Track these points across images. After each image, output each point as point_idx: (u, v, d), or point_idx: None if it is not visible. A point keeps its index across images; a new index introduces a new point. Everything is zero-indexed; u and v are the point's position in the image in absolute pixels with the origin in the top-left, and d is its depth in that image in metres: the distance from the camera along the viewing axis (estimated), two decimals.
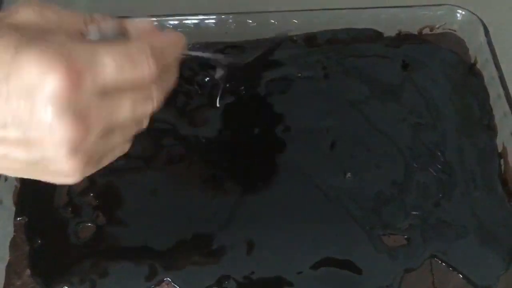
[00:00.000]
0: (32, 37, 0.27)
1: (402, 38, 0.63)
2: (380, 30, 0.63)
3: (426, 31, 0.64)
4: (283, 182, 0.54)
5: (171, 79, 0.36)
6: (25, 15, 0.30)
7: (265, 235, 0.51)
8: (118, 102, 0.30)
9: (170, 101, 0.58)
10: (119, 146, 0.33)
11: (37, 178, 0.31)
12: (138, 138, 0.56)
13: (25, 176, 0.32)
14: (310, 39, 0.64)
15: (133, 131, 0.34)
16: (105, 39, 0.32)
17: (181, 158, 0.55)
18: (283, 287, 0.49)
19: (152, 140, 0.56)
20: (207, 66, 0.60)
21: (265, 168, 0.55)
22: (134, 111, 0.31)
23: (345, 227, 0.52)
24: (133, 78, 0.30)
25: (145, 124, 0.34)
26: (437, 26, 0.63)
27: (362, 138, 0.57)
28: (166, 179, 0.54)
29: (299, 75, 0.61)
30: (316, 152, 0.56)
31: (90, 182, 0.54)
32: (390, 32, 0.63)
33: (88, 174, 0.32)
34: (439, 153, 0.56)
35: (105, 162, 0.33)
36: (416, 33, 0.64)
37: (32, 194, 0.53)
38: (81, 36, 0.31)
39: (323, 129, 0.57)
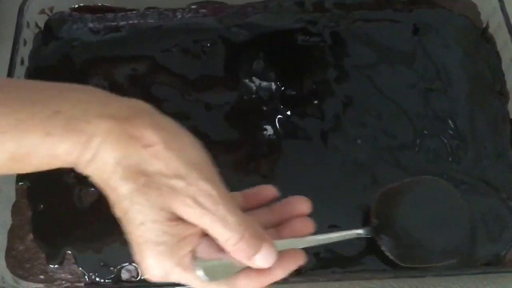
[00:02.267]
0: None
1: (413, 3, 0.61)
2: None
3: None
4: (291, 148, 0.53)
5: None
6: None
7: None
8: None
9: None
10: None
11: None
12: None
13: None
14: (318, 4, 0.62)
15: None
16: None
17: (185, 124, 0.54)
18: None
19: (155, 105, 0.55)
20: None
21: (272, 135, 0.54)
22: None
23: (353, 196, 0.51)
24: None
25: None
26: None
27: (372, 104, 0.56)
28: None
29: (307, 40, 0.59)
30: (325, 119, 0.55)
31: None
32: None
33: None
34: (449, 120, 0.55)
35: None
36: None
37: None
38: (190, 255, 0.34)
39: (332, 95, 0.56)
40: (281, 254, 0.35)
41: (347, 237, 0.41)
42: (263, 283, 0.35)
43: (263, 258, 0.34)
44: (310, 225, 0.38)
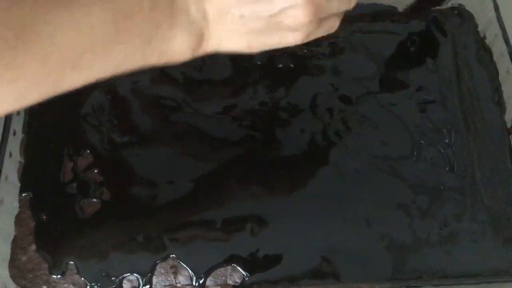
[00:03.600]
0: None
1: (411, 15, 0.62)
2: (388, 5, 0.62)
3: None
4: (289, 160, 0.54)
5: None
6: None
7: (272, 212, 0.51)
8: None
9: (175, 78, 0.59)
10: (332, 19, 0.41)
11: (268, 42, 0.39)
12: (143, 114, 0.56)
13: (262, 40, 0.39)
14: None
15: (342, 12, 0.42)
16: None
17: (187, 134, 0.55)
18: (289, 263, 0.49)
19: (158, 116, 0.56)
20: None
21: (271, 146, 0.55)
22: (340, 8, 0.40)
23: (351, 206, 0.51)
24: (345, 8, 0.41)
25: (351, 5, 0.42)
26: (446, 1, 0.62)
27: (369, 115, 0.56)
28: (172, 155, 0.54)
29: (305, 51, 0.60)
30: (323, 129, 0.55)
31: (94, 158, 0.54)
32: (398, 7, 0.62)
33: (310, 36, 0.40)
34: (447, 130, 0.55)
35: (321, 31, 0.41)
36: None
37: (36, 170, 0.53)
38: None
39: (330, 105, 0.57)
40: None
41: None
42: None
43: None
44: None
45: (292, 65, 0.60)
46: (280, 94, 0.57)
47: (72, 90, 0.33)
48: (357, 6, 0.41)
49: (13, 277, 0.49)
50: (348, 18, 0.60)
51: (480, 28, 0.61)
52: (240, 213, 0.51)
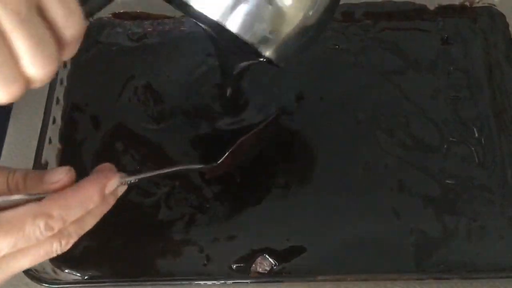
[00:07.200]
0: None
1: (442, 12, 0.63)
2: (419, 3, 0.63)
3: (466, 5, 0.63)
4: (317, 153, 0.55)
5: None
6: None
7: (302, 204, 0.52)
8: None
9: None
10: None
11: None
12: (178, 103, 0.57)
13: None
14: (347, 13, 0.63)
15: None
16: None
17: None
18: (317, 254, 0.50)
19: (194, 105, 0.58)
20: None
21: (299, 139, 0.56)
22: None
23: (380, 199, 0.52)
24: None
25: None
26: (477, 0, 0.63)
27: (399, 110, 0.57)
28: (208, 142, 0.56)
29: (337, 47, 0.61)
30: (351, 124, 0.56)
31: (130, 144, 0.55)
32: (429, 5, 0.63)
33: None
34: (476, 127, 0.56)
35: None
36: (455, 6, 0.63)
37: (74, 156, 0.55)
38: None
39: (360, 101, 0.57)
40: None
41: None
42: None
43: None
44: None
45: (321, 62, 0.61)
46: (310, 90, 0.58)
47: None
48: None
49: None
50: (379, 16, 0.63)
51: (511, 28, 0.61)
52: (270, 204, 0.52)
